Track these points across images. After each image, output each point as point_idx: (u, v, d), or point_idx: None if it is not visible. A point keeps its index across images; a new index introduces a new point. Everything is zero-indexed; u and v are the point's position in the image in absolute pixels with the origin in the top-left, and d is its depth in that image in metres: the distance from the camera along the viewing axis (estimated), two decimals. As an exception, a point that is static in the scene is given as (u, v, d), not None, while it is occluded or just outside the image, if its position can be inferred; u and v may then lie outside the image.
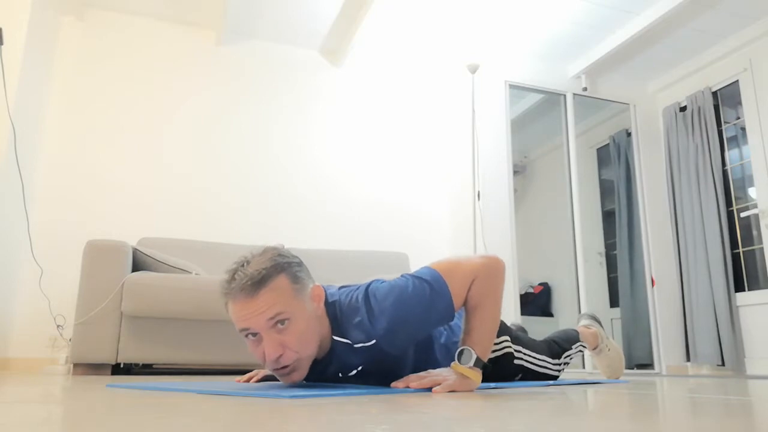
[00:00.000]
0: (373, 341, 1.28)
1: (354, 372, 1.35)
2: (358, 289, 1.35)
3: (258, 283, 1.20)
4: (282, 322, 1.21)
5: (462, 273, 1.32)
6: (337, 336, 1.31)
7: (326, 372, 1.37)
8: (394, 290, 1.29)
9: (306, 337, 1.24)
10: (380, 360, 1.31)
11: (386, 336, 1.27)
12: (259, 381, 1.60)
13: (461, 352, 1.28)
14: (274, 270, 1.23)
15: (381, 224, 4.19)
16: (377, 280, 1.36)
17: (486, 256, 1.38)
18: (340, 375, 1.37)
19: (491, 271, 1.35)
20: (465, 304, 1.34)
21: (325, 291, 1.35)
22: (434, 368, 1.38)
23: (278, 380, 1.58)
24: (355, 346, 1.29)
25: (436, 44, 4.34)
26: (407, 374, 1.34)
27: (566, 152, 4.58)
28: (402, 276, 1.34)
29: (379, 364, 1.32)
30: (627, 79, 4.78)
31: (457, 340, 1.45)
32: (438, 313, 1.31)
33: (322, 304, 1.31)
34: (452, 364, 1.29)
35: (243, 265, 1.24)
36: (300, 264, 1.31)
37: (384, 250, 3.96)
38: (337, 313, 1.32)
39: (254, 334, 1.22)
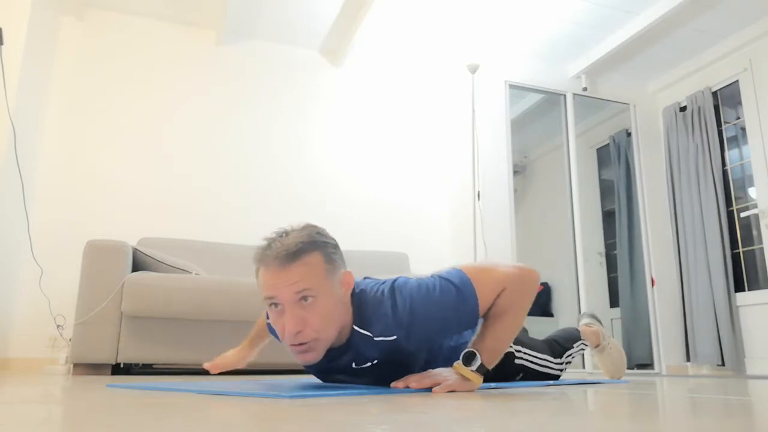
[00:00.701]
0: (394, 337, 1.27)
1: (368, 364, 1.34)
2: (384, 283, 1.34)
3: (293, 254, 1.21)
4: (307, 298, 1.21)
5: (492, 280, 1.30)
6: (358, 326, 1.31)
7: (341, 360, 1.36)
8: (421, 289, 1.28)
9: (328, 319, 1.24)
10: (396, 355, 1.31)
11: (407, 334, 1.27)
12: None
13: (467, 354, 1.27)
14: (311, 246, 1.23)
15: (381, 224, 4.19)
16: (403, 277, 1.35)
17: (520, 266, 1.35)
18: (354, 365, 1.36)
19: (523, 282, 1.32)
20: (488, 310, 1.32)
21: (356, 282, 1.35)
22: (438, 367, 1.38)
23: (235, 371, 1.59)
24: (375, 339, 1.29)
25: (436, 44, 4.34)
26: (417, 371, 1.34)
27: (566, 152, 4.58)
28: (431, 276, 1.33)
29: (393, 358, 1.32)
30: (627, 79, 4.78)
31: (466, 342, 1.45)
32: (462, 318, 1.29)
33: (349, 292, 1.31)
34: (455, 363, 1.28)
35: (282, 236, 1.25)
36: (336, 246, 1.31)
37: (384, 250, 3.96)
38: (361, 303, 1.31)
39: (278, 305, 1.23)
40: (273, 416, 0.73)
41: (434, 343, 1.40)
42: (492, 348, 1.30)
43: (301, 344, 1.24)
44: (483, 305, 1.29)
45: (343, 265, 1.31)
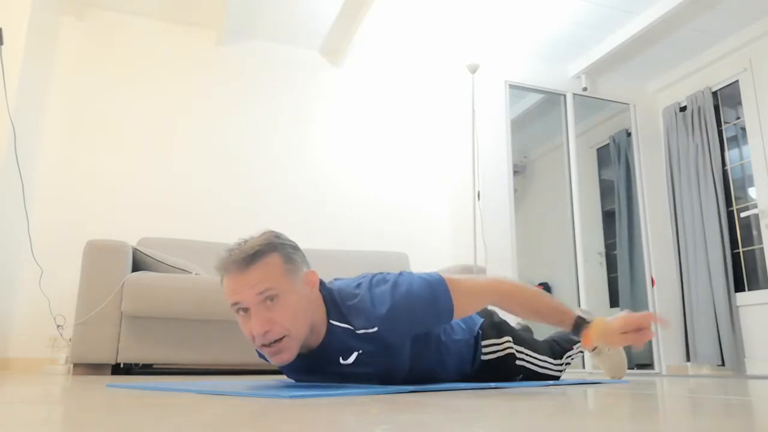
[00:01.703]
0: (375, 328, 1.30)
1: (354, 356, 1.35)
2: (362, 278, 1.39)
3: (250, 257, 1.25)
4: (271, 298, 1.24)
5: (469, 284, 1.39)
6: (336, 321, 1.33)
7: (326, 357, 1.37)
8: (399, 284, 1.34)
9: (296, 316, 1.27)
10: (380, 346, 1.33)
11: (388, 323, 1.30)
12: None
13: (579, 321, 1.41)
14: (268, 248, 1.28)
15: (381, 224, 4.19)
16: (381, 274, 1.40)
17: (494, 278, 1.49)
18: (341, 360, 1.37)
19: (502, 286, 1.44)
20: (512, 312, 1.46)
21: (322, 280, 1.39)
22: (429, 363, 1.43)
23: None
24: (358, 331, 1.32)
25: (436, 44, 4.34)
26: (405, 368, 1.38)
27: (566, 152, 4.58)
28: (409, 272, 1.39)
29: (378, 351, 1.34)
30: (627, 79, 4.78)
31: (458, 340, 1.51)
32: (437, 311, 1.35)
33: (316, 289, 1.35)
34: (593, 320, 1.40)
35: (241, 244, 1.30)
36: (295, 248, 1.35)
37: (384, 250, 3.96)
38: (336, 298, 1.35)
39: (245, 310, 1.26)
40: (273, 416, 0.73)
41: (418, 335, 1.42)
42: (553, 308, 1.44)
43: (272, 345, 1.26)
44: (459, 306, 1.35)
45: (305, 265, 1.35)
